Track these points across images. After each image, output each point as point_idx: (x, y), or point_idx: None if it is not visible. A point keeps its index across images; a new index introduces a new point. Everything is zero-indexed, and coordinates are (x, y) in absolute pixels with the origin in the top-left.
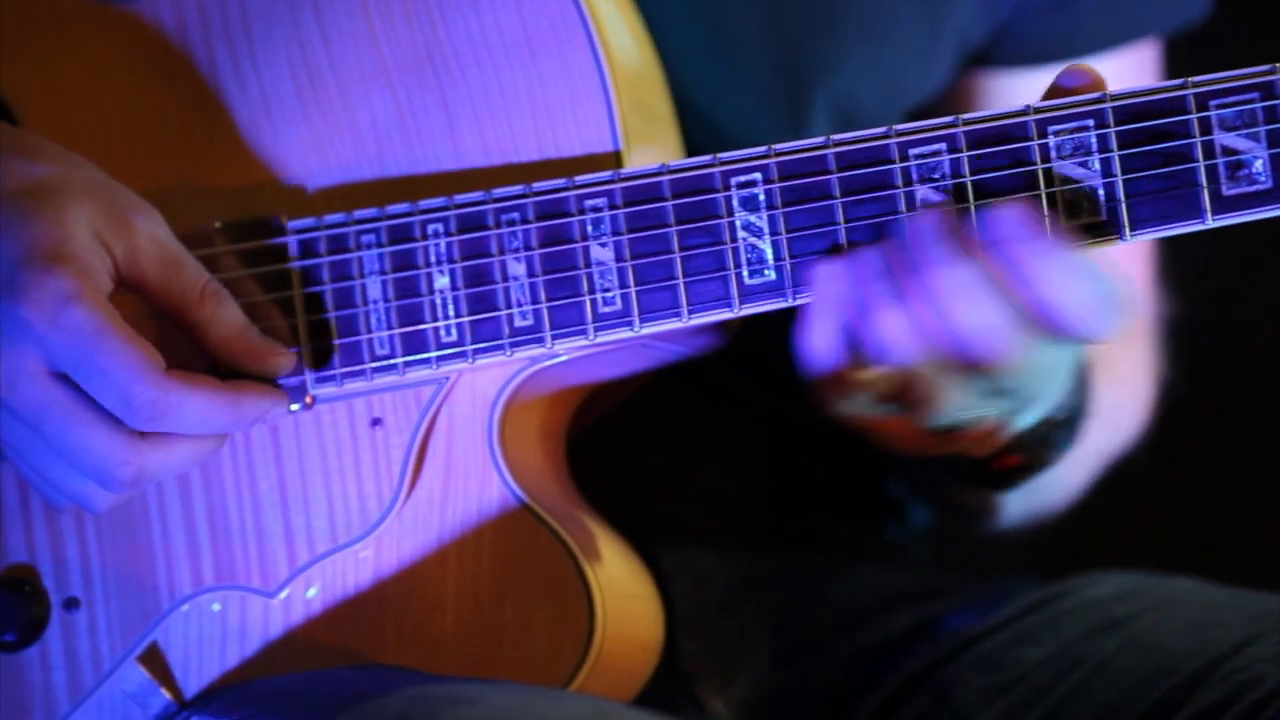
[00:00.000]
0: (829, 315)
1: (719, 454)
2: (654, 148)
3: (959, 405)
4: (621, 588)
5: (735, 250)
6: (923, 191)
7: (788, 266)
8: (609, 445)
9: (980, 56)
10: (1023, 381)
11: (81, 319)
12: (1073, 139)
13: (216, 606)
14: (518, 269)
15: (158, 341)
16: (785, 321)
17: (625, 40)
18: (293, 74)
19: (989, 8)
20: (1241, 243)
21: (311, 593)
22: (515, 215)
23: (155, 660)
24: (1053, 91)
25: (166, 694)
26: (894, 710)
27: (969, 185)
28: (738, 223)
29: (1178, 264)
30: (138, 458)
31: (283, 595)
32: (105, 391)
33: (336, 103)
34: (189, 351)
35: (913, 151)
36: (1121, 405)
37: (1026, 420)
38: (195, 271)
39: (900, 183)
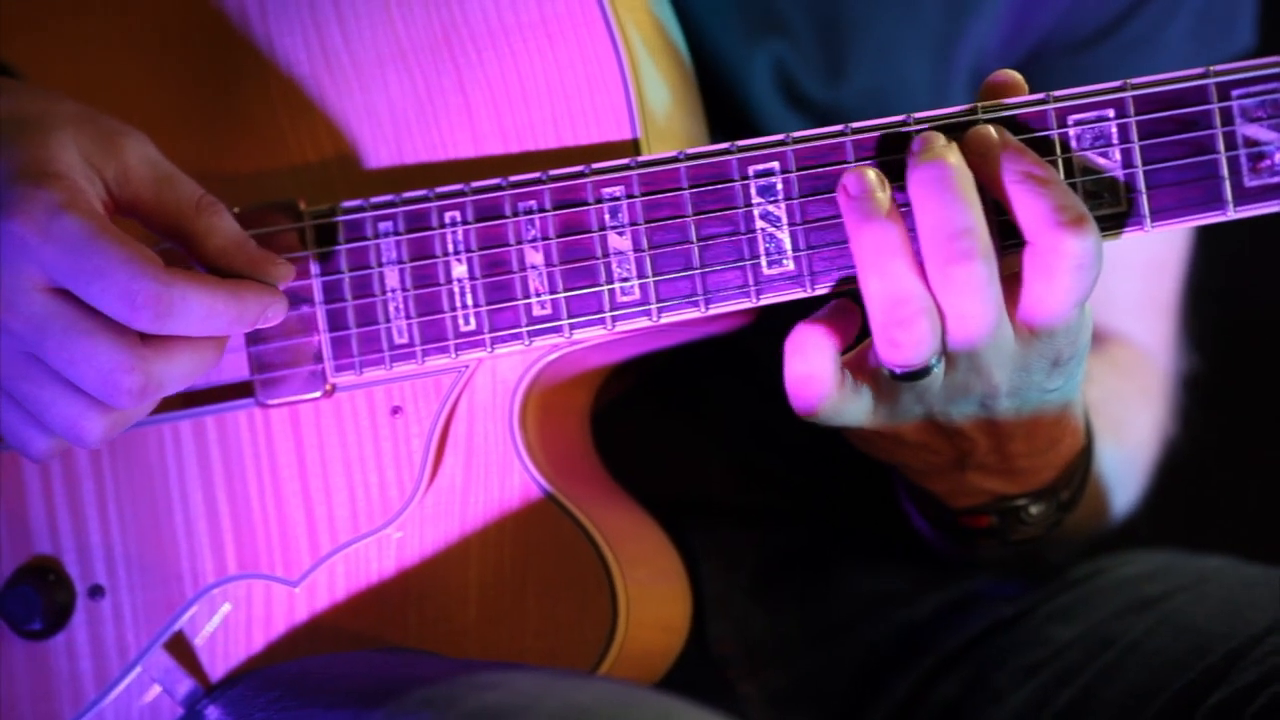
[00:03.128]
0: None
1: (750, 431)
2: (674, 133)
3: (918, 347)
4: (647, 570)
5: (753, 240)
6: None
7: (806, 257)
8: (639, 420)
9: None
10: (994, 375)
11: (75, 225)
12: (1093, 128)
13: (227, 605)
14: (535, 258)
15: None
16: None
17: (645, 24)
18: (309, 57)
19: (1007, 42)
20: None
21: (334, 582)
22: (532, 204)
23: (181, 647)
24: (985, 92)
25: (193, 679)
26: (926, 691)
27: None
28: (756, 212)
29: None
30: (143, 364)
31: (305, 584)
32: (106, 294)
33: (353, 86)
34: None
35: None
36: (1126, 470)
37: (1004, 408)
38: (189, 185)
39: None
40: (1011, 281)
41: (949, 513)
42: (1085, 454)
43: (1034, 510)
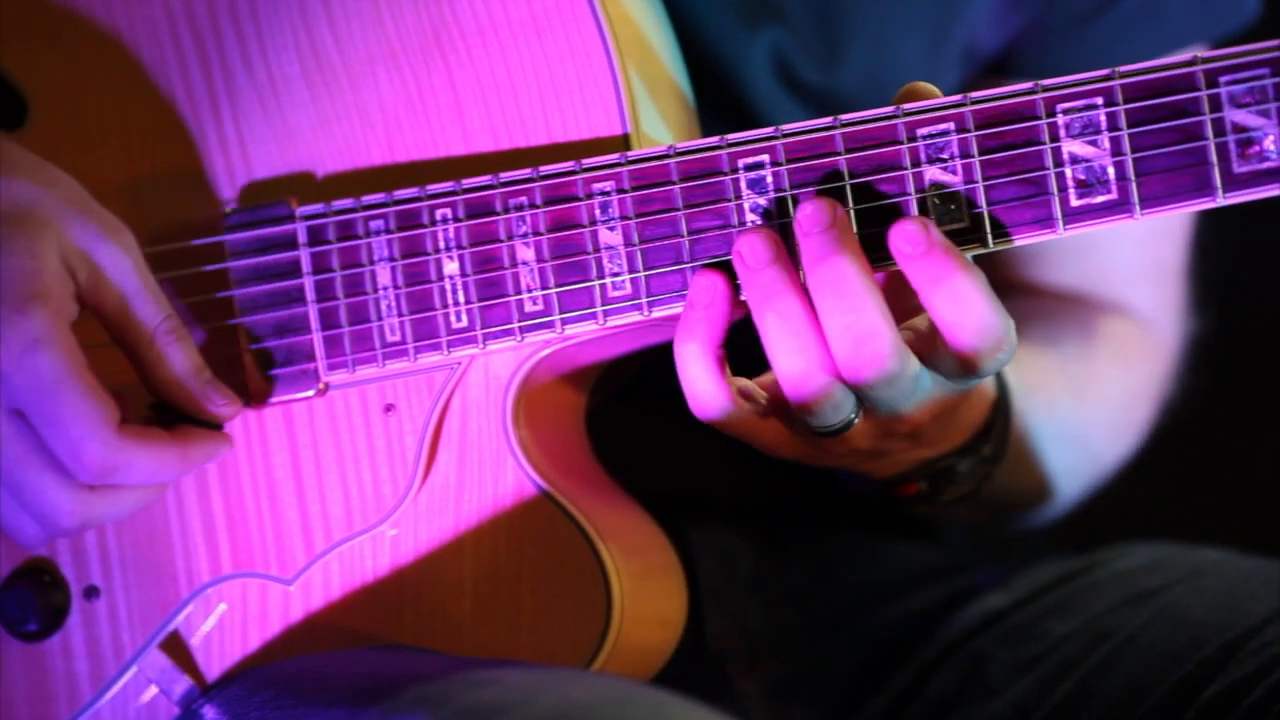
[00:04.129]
0: (705, 324)
1: None
2: (664, 126)
3: (834, 411)
4: (642, 565)
5: None
6: (931, 172)
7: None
8: (635, 417)
9: (996, 67)
10: (899, 393)
11: (46, 366)
12: (1081, 117)
13: (222, 605)
14: (526, 254)
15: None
16: None
17: (634, 18)
18: (299, 56)
19: (1000, 18)
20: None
21: (329, 580)
22: (523, 200)
23: (177, 646)
24: (903, 96)
25: (189, 679)
26: (923, 684)
27: (977, 164)
28: (746, 205)
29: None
30: (83, 509)
31: (300, 582)
32: (58, 442)
33: (344, 85)
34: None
35: (921, 132)
36: (1090, 429)
37: (901, 406)
38: (151, 310)
39: (909, 164)
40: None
41: (880, 485)
42: (998, 408)
43: (962, 468)
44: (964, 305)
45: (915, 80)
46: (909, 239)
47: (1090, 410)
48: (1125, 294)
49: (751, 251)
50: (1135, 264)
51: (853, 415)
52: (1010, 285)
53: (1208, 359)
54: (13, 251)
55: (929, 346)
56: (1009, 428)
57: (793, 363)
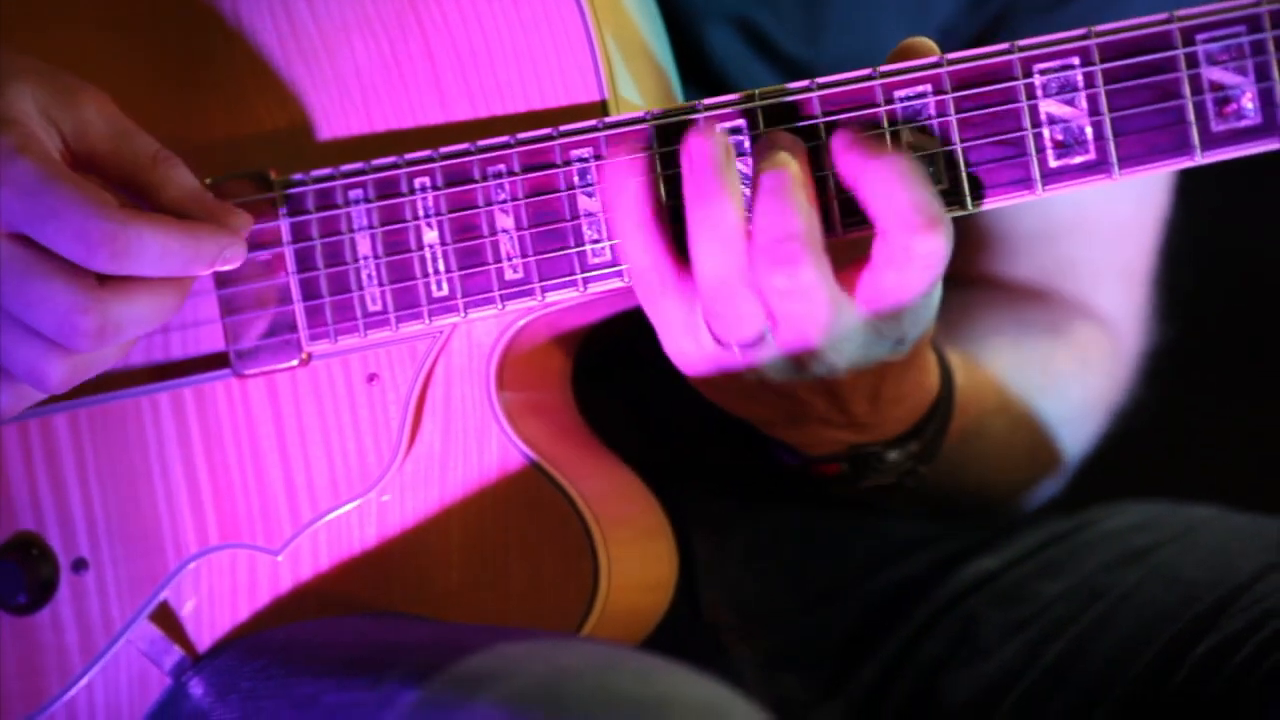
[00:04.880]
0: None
1: None
2: (641, 94)
3: (741, 321)
4: (630, 530)
5: None
6: (906, 134)
7: None
8: (629, 385)
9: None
10: (830, 356)
11: (28, 168)
12: (1059, 77)
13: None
14: (506, 221)
15: None
16: None
17: None
18: (274, 24)
19: (978, 3)
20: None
21: (317, 550)
22: (501, 167)
23: (167, 618)
24: (897, 54)
25: (179, 649)
26: (916, 647)
27: (954, 125)
28: None
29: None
30: (99, 305)
31: (288, 552)
32: (61, 234)
33: (320, 53)
34: None
35: (898, 94)
36: (1045, 434)
37: (843, 376)
38: (145, 140)
39: (886, 125)
40: (856, 265)
41: (803, 460)
42: (938, 406)
43: (890, 456)
44: (891, 181)
45: None
46: (842, 138)
47: (1052, 414)
48: (1091, 293)
49: (699, 152)
50: (1103, 264)
51: (764, 329)
52: (975, 278)
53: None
54: None
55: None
56: (944, 431)
57: (712, 265)
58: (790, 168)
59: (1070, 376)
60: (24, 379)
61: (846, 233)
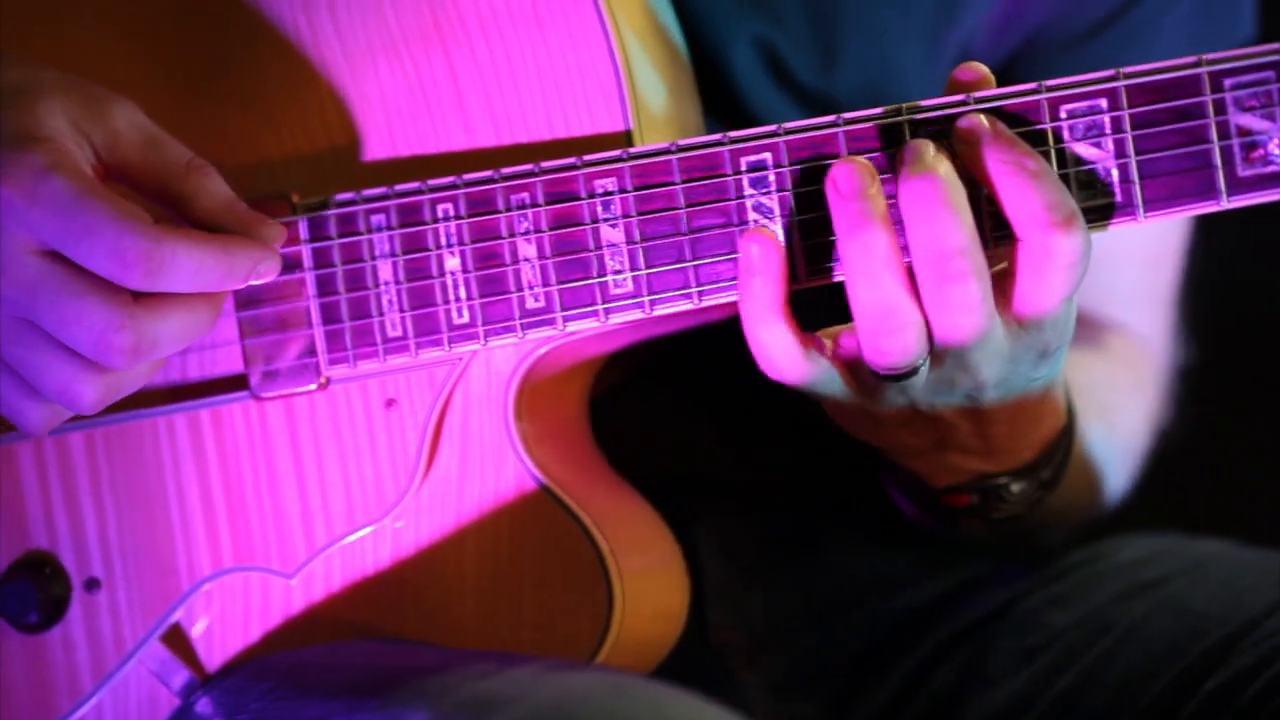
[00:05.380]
0: (768, 284)
1: (748, 416)
2: (668, 123)
3: (904, 351)
4: (643, 559)
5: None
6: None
7: (800, 249)
8: (637, 406)
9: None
10: (981, 371)
11: (61, 186)
12: (1086, 119)
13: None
14: (528, 250)
15: None
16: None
17: (637, 12)
18: (300, 47)
19: (999, 30)
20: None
21: (330, 574)
22: (525, 196)
23: (177, 639)
24: (950, 87)
25: (189, 670)
26: (925, 675)
27: None
28: (748, 204)
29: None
30: (134, 322)
31: (301, 576)
32: (95, 252)
33: (345, 77)
34: None
35: (926, 132)
36: (1115, 456)
37: (989, 398)
38: (177, 148)
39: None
40: (1000, 275)
41: (931, 492)
42: (1066, 434)
43: (1015, 488)
44: (1029, 175)
45: (911, 85)
46: (972, 129)
47: (1117, 437)
48: (1124, 317)
49: (845, 180)
50: (1136, 288)
51: (921, 363)
52: None
53: (1202, 388)
54: (13, 113)
55: (1000, 292)
56: (1070, 456)
57: (871, 294)
58: (940, 170)
59: (1131, 399)
60: (57, 399)
61: (998, 245)
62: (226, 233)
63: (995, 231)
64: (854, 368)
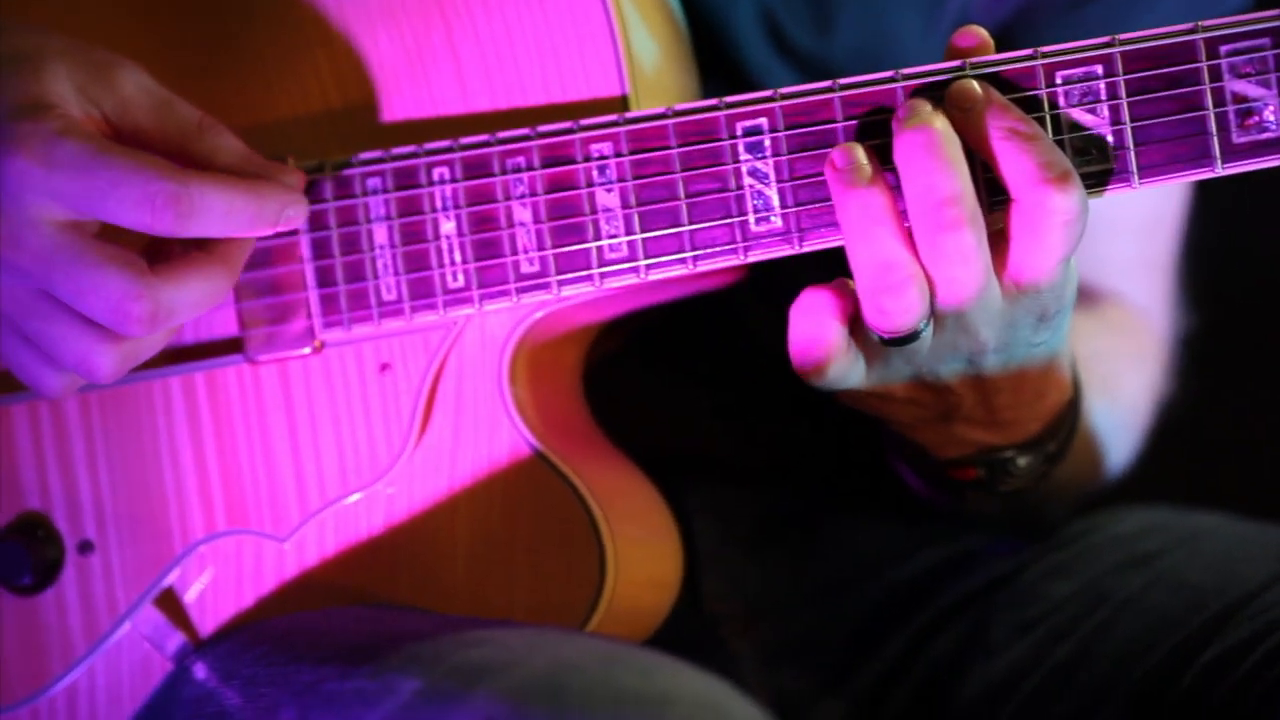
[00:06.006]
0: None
1: (745, 388)
2: (664, 88)
3: (906, 310)
4: (637, 527)
5: (741, 197)
6: None
7: (794, 214)
8: (634, 378)
9: None
10: (981, 333)
11: (76, 148)
12: (1081, 85)
13: (212, 565)
14: (523, 214)
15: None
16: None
17: None
18: (299, 15)
19: (995, 1)
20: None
21: (323, 538)
22: (521, 160)
23: (170, 602)
24: (949, 53)
25: (182, 634)
26: (922, 646)
27: None
28: (744, 169)
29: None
30: (151, 290)
31: (294, 540)
32: (124, 204)
33: (343, 42)
34: None
35: (922, 98)
36: (1118, 427)
37: (991, 363)
38: (188, 108)
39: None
40: (997, 238)
41: (937, 465)
42: (1072, 406)
43: (1021, 462)
44: (1023, 136)
45: (908, 50)
46: (964, 94)
47: (1119, 408)
48: (1122, 286)
49: (840, 155)
50: (1133, 257)
51: (923, 325)
52: None
53: (1200, 358)
54: (19, 83)
55: (998, 255)
56: (1075, 429)
57: (869, 252)
58: (935, 124)
59: (1131, 365)
60: (75, 369)
61: (990, 212)
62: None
63: (991, 197)
64: (863, 340)
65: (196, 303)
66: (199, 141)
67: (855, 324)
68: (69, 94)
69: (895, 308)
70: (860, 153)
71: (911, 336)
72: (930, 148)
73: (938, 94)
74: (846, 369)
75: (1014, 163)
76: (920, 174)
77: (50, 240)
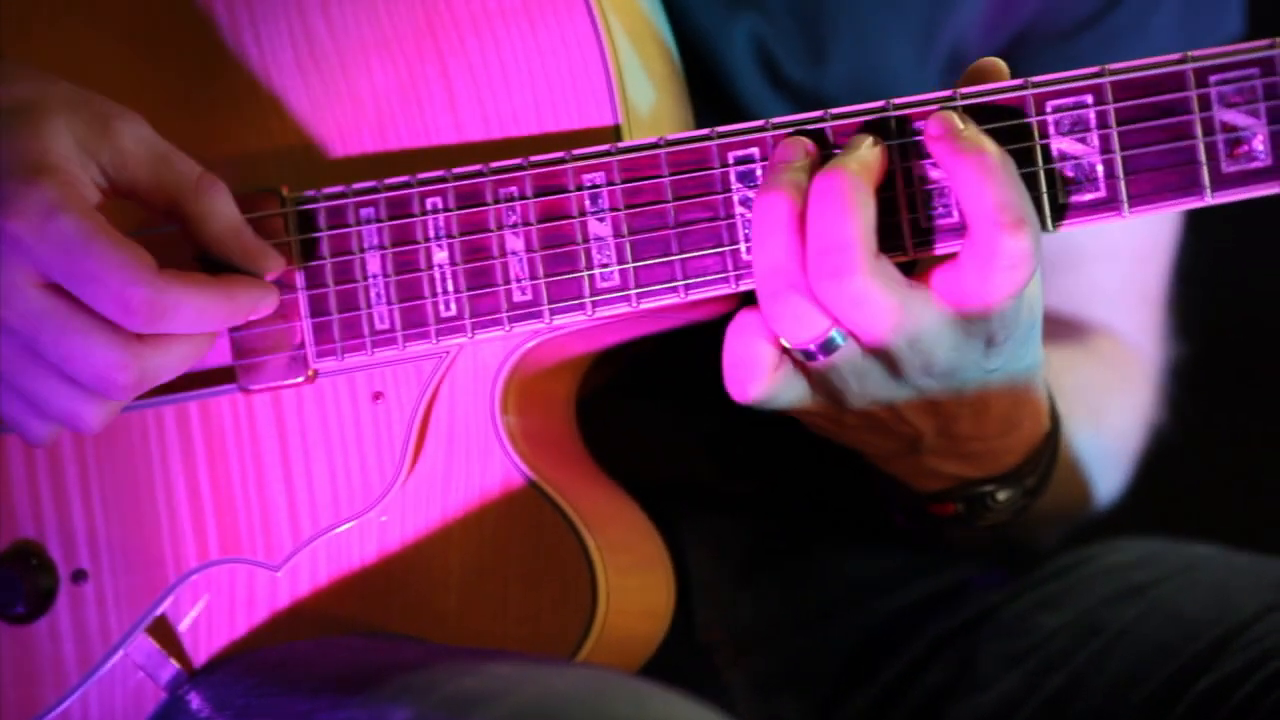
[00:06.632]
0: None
1: (737, 418)
2: (657, 118)
3: (799, 323)
4: (629, 557)
5: (733, 226)
6: (920, 168)
7: None
8: (625, 407)
9: None
10: (918, 352)
11: (69, 227)
12: (1071, 114)
13: (208, 592)
14: (516, 243)
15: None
16: None
17: (627, 8)
18: (292, 42)
19: (990, 26)
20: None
21: (316, 567)
22: (513, 190)
23: (163, 631)
24: (969, 77)
25: (176, 664)
26: (914, 677)
27: None
28: (735, 198)
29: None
30: (137, 360)
31: (287, 569)
32: (100, 297)
33: (336, 72)
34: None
35: (911, 127)
36: (1106, 458)
37: (936, 388)
38: (186, 164)
39: (899, 160)
40: (949, 263)
41: (917, 499)
42: (1050, 439)
43: (1000, 496)
44: (986, 172)
45: (901, 82)
46: (940, 124)
47: (1107, 439)
48: (1111, 317)
49: (781, 150)
50: (1123, 287)
51: (837, 339)
52: None
53: (1192, 388)
54: (18, 137)
55: (945, 280)
56: (1056, 462)
57: (762, 256)
58: (849, 168)
59: (1122, 398)
60: (60, 422)
61: (917, 252)
62: (230, 258)
63: (916, 239)
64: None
65: (179, 365)
66: (193, 203)
67: None
68: (69, 150)
69: (782, 315)
70: (800, 154)
71: (826, 350)
72: (834, 191)
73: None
74: (777, 388)
75: (973, 198)
76: (819, 215)
77: (37, 304)
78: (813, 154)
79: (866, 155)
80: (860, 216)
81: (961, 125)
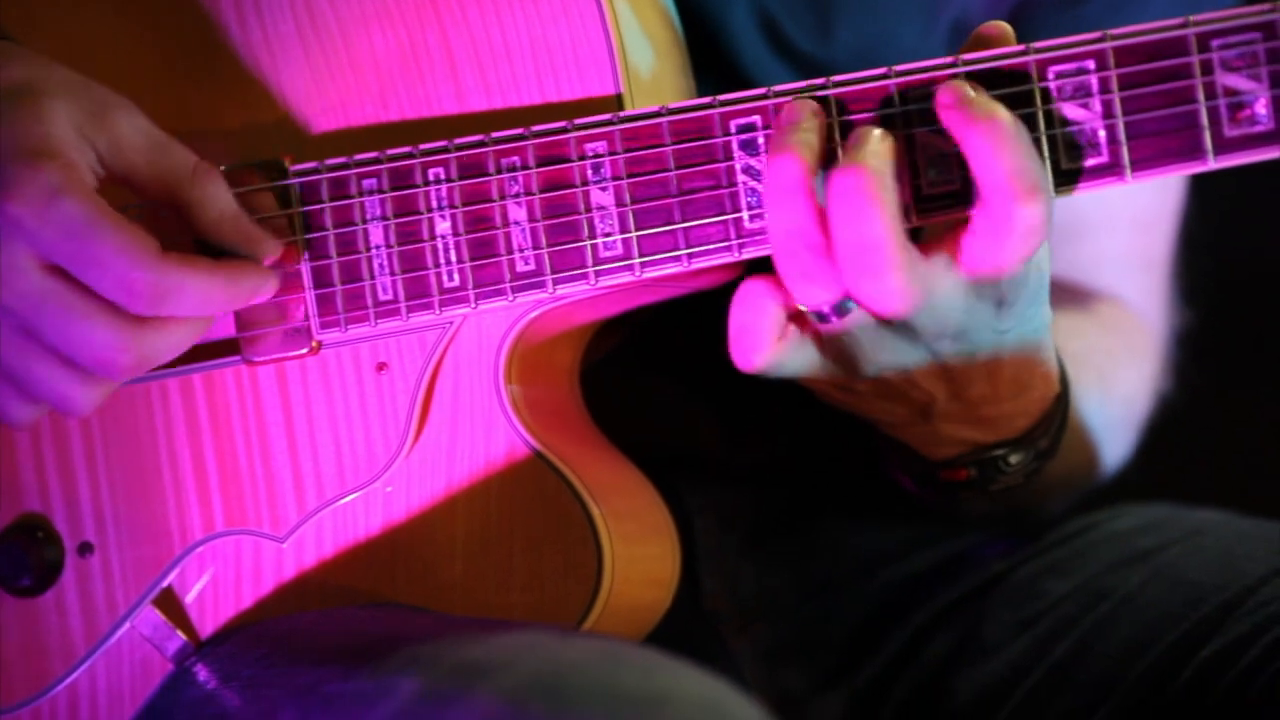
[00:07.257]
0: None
1: (743, 388)
2: (659, 87)
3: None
4: (635, 525)
5: (735, 194)
6: (922, 134)
7: None
8: (632, 378)
9: None
10: (934, 318)
11: (72, 210)
12: (1074, 80)
13: (212, 565)
14: (518, 213)
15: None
16: None
17: None
18: (294, 13)
19: (994, 1)
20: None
21: (322, 538)
22: (515, 160)
23: (170, 603)
24: (974, 43)
25: (182, 636)
26: (921, 645)
27: None
28: (737, 166)
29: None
30: (137, 342)
31: (293, 540)
32: (103, 280)
33: (338, 42)
34: (174, 244)
35: (913, 94)
36: (1114, 424)
37: (950, 351)
38: (182, 153)
39: (900, 126)
40: (959, 227)
41: (929, 467)
42: (1060, 401)
43: (1012, 459)
44: (999, 140)
45: (907, 52)
46: (952, 93)
47: (1114, 404)
48: (1117, 285)
49: (787, 112)
50: (1128, 255)
51: (849, 303)
52: None
53: (1198, 354)
54: (18, 121)
55: (956, 243)
56: (1066, 425)
57: (779, 221)
58: (869, 164)
59: (1128, 365)
60: (55, 406)
61: (921, 219)
62: (228, 244)
63: (920, 206)
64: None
65: (179, 346)
66: (189, 191)
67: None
68: (68, 135)
69: (798, 276)
70: (807, 114)
71: (840, 313)
72: (858, 189)
73: (928, 90)
74: (782, 356)
75: (986, 166)
76: (845, 215)
77: (38, 286)
78: (819, 115)
79: (880, 148)
80: (888, 212)
81: (973, 93)
